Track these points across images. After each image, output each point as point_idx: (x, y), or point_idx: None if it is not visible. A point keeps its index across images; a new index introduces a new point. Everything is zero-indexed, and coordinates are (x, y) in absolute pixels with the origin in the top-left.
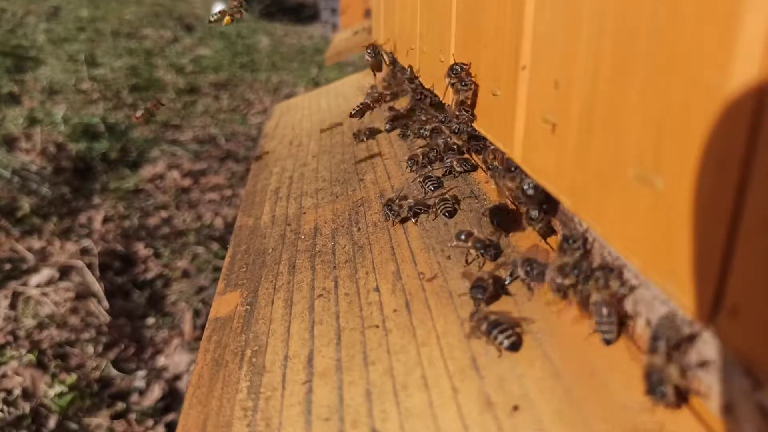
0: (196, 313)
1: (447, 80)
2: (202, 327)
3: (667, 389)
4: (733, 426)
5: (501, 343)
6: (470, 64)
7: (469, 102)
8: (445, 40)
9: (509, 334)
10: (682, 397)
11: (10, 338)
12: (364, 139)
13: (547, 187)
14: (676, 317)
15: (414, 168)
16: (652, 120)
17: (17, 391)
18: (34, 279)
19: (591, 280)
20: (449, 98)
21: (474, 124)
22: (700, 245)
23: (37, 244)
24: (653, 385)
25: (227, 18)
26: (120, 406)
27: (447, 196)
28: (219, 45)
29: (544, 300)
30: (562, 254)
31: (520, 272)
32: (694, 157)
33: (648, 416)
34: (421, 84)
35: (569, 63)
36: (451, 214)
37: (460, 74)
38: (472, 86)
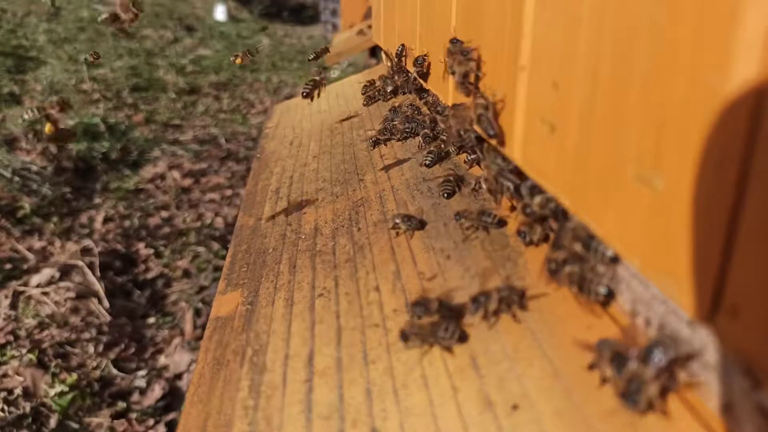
0: (197, 313)
1: (448, 59)
2: (203, 326)
3: (641, 400)
4: (733, 426)
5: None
6: (471, 41)
7: (472, 76)
8: (444, 41)
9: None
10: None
11: (10, 338)
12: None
13: (547, 187)
14: (678, 336)
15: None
16: (652, 120)
17: (18, 391)
18: (35, 279)
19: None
20: (450, 82)
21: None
22: (699, 245)
23: (37, 243)
24: (629, 392)
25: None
26: (121, 405)
27: (450, 177)
28: (219, 45)
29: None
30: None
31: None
32: (693, 157)
33: (648, 416)
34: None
35: (569, 63)
36: (450, 195)
37: (461, 46)
38: (476, 57)
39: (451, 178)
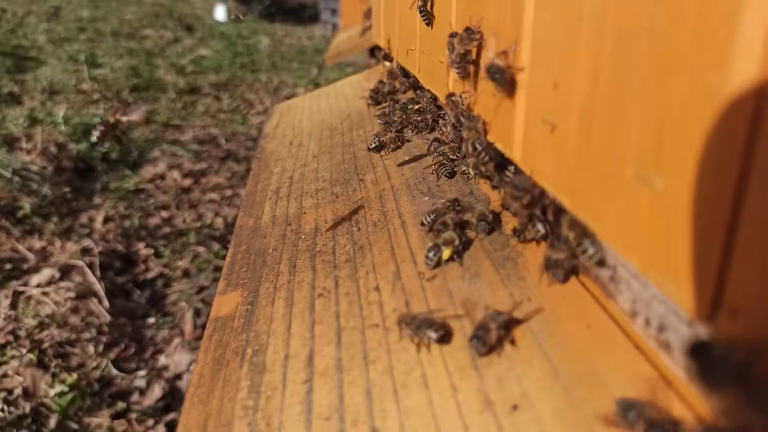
0: (197, 313)
1: (450, 50)
2: (203, 326)
3: None
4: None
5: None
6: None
7: (473, 56)
8: (444, 41)
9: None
10: None
11: (10, 338)
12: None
13: (547, 187)
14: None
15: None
16: (652, 120)
17: (18, 391)
18: (35, 279)
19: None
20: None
21: None
22: (699, 245)
23: (37, 243)
24: None
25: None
26: (120, 405)
27: (443, 161)
28: (219, 45)
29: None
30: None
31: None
32: (693, 157)
33: None
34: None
35: (569, 63)
36: (451, 175)
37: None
38: (480, 36)
39: (445, 161)
